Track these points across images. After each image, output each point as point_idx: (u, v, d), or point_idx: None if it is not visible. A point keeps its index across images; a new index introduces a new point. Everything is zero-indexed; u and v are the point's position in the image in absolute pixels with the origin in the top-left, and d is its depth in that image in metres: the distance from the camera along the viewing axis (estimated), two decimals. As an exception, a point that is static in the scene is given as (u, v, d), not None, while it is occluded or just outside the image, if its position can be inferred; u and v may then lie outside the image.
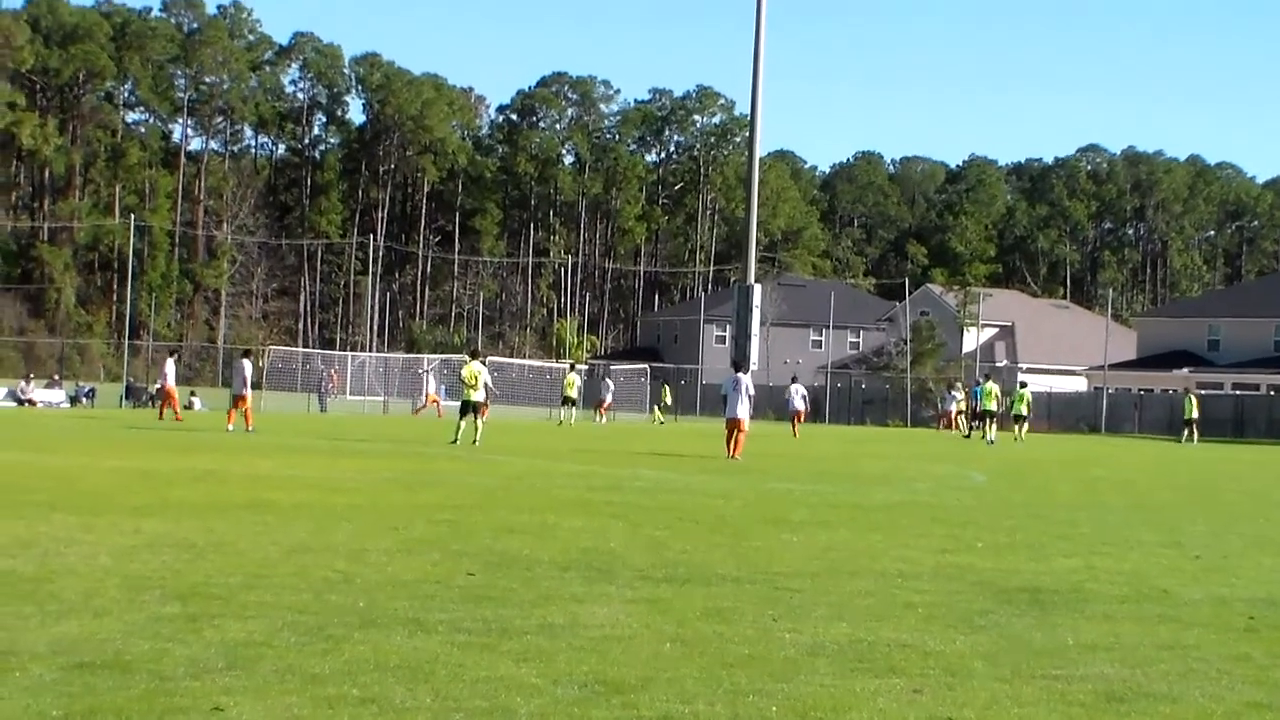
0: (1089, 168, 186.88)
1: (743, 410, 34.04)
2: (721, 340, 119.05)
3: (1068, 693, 8.11)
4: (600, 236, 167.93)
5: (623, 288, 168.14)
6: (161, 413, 49.65)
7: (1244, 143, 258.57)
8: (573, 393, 62.43)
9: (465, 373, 37.78)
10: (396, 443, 36.89)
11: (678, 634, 9.40)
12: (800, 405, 60.65)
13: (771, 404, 77.32)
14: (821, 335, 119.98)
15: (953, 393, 76.28)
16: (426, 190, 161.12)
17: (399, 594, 10.60)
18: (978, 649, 9.32)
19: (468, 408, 36.91)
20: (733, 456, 33.19)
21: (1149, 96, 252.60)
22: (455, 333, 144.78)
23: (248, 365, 42.96)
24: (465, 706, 7.24)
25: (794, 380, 65.37)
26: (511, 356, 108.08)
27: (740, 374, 34.92)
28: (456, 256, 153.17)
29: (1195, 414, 65.93)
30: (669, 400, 78.55)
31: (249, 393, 42.17)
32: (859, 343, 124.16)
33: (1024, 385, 62.00)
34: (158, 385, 57.79)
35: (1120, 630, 10.27)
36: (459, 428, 36.60)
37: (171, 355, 52.68)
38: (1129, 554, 15.42)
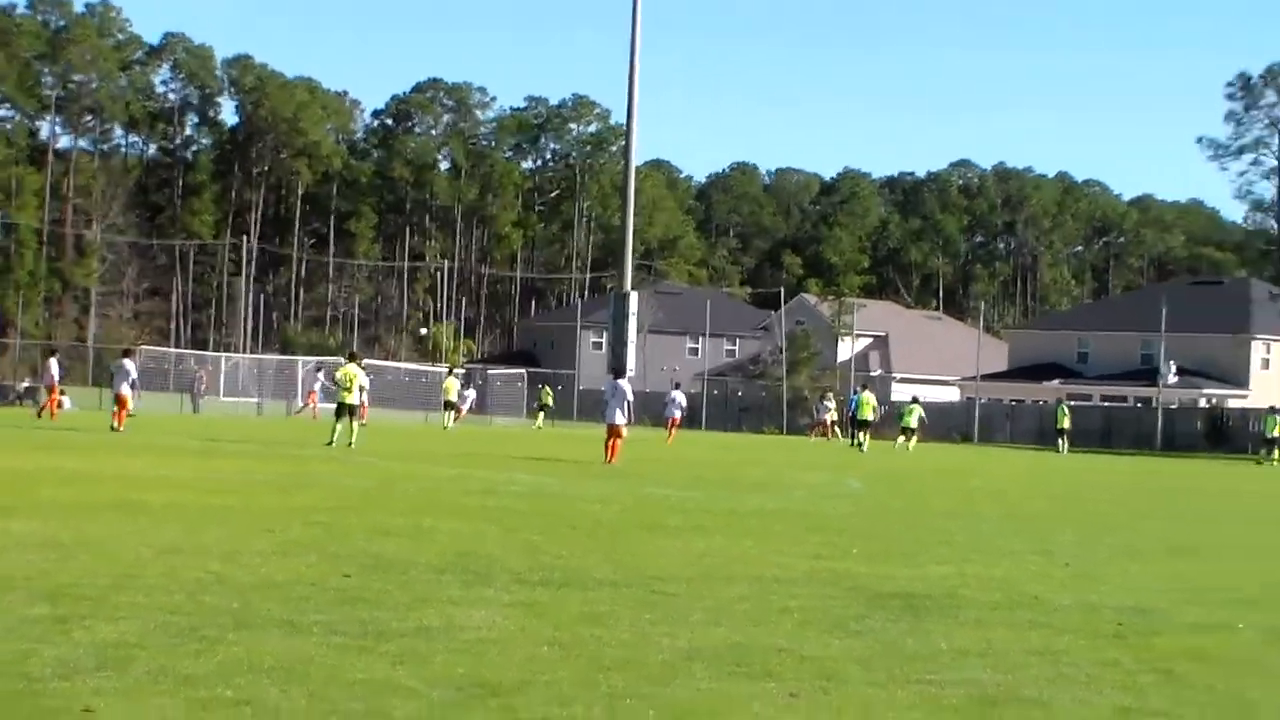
0: (960, 182, 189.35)
1: (620, 416, 34.18)
2: (599, 346, 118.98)
3: (940, 697, 8.18)
4: (476, 242, 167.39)
5: (499, 293, 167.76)
6: (41, 412, 48.76)
7: (1111, 161, 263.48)
8: (452, 396, 62.27)
9: (340, 375, 37.52)
10: (270, 444, 36.53)
11: (554, 637, 9.38)
12: (677, 413, 61.19)
13: (648, 410, 77.43)
14: (698, 343, 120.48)
15: (825, 402, 76.96)
16: (301, 193, 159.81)
17: (273, 595, 10.48)
18: (852, 654, 9.37)
19: (343, 410, 36.62)
20: (609, 461, 33.26)
21: (1019, 113, 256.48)
22: (330, 335, 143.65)
23: (128, 364, 42.42)
24: (341, 709, 7.16)
25: (676, 386, 65.87)
26: (387, 360, 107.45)
27: (619, 380, 35.05)
28: (331, 259, 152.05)
29: (1067, 424, 66.91)
30: (550, 402, 77.14)
31: (128, 392, 41.68)
32: (735, 350, 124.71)
33: (915, 400, 63.49)
34: (39, 384, 56.70)
35: (992, 636, 10.38)
36: (335, 430, 36.28)
37: (53, 354, 51.56)
38: (1001, 561, 15.61)
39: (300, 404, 67.29)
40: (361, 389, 36.99)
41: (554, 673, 8.26)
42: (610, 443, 33.95)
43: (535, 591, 11.42)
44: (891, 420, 66.94)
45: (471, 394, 72.89)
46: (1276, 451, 61.38)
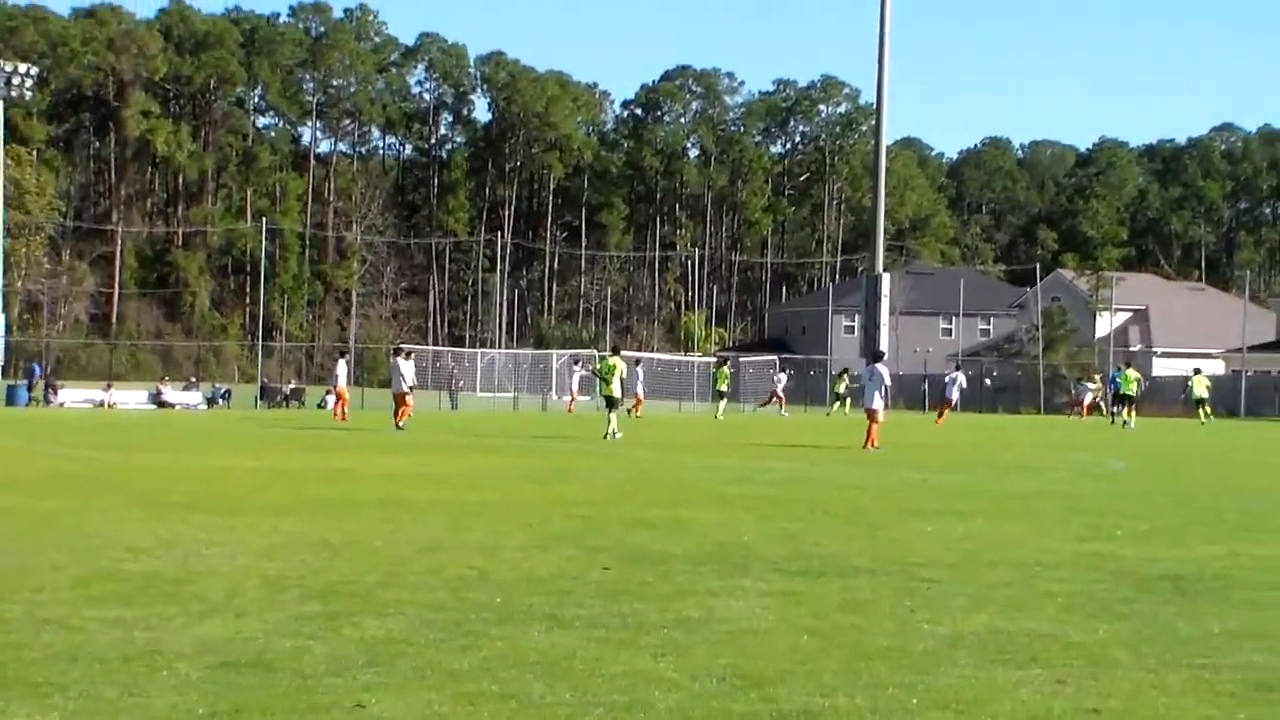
0: (1223, 147, 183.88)
1: (878, 400, 33.97)
2: (851, 330, 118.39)
3: (1215, 682, 7.95)
4: (726, 229, 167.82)
5: (750, 279, 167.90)
6: (337, 412, 49.70)
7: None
8: (724, 386, 62.32)
9: (603, 367, 38.24)
10: (527, 439, 37.07)
11: (815, 626, 9.34)
12: (955, 395, 61.12)
13: (903, 393, 76.68)
14: (951, 323, 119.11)
15: (1085, 383, 75.69)
16: (553, 186, 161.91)
17: (535, 590, 10.62)
18: (1120, 638, 9.17)
19: (611, 402, 37.35)
20: (867, 446, 33.00)
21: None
22: (583, 328, 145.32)
23: (403, 364, 43.26)
24: (604, 701, 7.22)
25: (957, 368, 65.50)
26: (640, 350, 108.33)
27: (877, 364, 34.89)
28: (583, 251, 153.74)
29: None
30: (841, 390, 71.22)
31: (407, 391, 42.38)
32: (989, 330, 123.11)
33: (1198, 371, 62.73)
34: (304, 385, 58.35)
35: (1267, 618, 10.06)
36: (609, 421, 36.88)
37: (342, 356, 53.05)
38: (1274, 540, 15.13)
39: (566, 398, 68.38)
40: (621, 380, 37.58)
41: (815, 663, 8.22)
42: (867, 426, 33.73)
43: (794, 581, 11.38)
44: (1159, 396, 65.91)
45: (782, 379, 72.56)
46: None
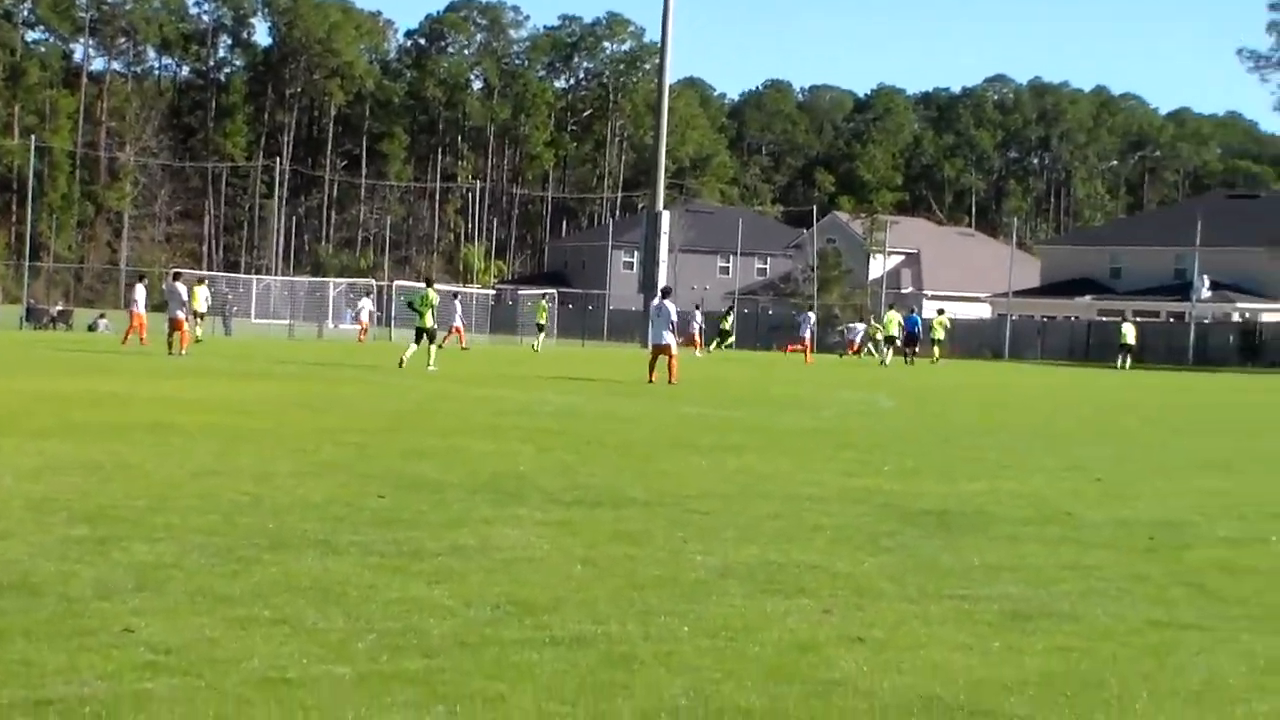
0: (995, 98, 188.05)
1: (668, 336, 34.19)
2: (630, 266, 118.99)
3: (974, 612, 8.20)
4: (508, 162, 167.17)
5: (530, 213, 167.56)
6: (125, 338, 48.08)
7: (1148, 74, 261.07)
8: (542, 319, 62.63)
9: (417, 299, 38.22)
10: (301, 365, 36.68)
11: (588, 556, 9.42)
12: (808, 333, 63.50)
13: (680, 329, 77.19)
14: (729, 261, 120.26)
15: (856, 325, 77.26)
16: (333, 114, 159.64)
17: (308, 516, 10.54)
18: (885, 570, 9.40)
19: (421, 333, 37.23)
20: (666, 380, 33.10)
21: (1056, 28, 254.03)
22: (361, 257, 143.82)
23: (181, 288, 42.35)
24: (378, 628, 7.21)
25: (810, 309, 67.40)
26: (418, 281, 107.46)
27: (665, 300, 35.14)
28: (363, 181, 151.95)
29: (1130, 340, 66.39)
30: (728, 325, 68.81)
31: (183, 315, 41.59)
32: (766, 269, 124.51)
33: (941, 312, 64.48)
34: (70, 307, 56.70)
35: (1024, 551, 10.40)
36: (430, 353, 36.74)
37: (140, 280, 51.18)
38: (1032, 478, 15.60)
39: (355, 326, 68.07)
40: (432, 309, 37.45)
41: (588, 591, 8.31)
42: (666, 362, 33.84)
43: (569, 511, 11.47)
44: (926, 337, 67.66)
45: (697, 316, 65.47)
46: None
